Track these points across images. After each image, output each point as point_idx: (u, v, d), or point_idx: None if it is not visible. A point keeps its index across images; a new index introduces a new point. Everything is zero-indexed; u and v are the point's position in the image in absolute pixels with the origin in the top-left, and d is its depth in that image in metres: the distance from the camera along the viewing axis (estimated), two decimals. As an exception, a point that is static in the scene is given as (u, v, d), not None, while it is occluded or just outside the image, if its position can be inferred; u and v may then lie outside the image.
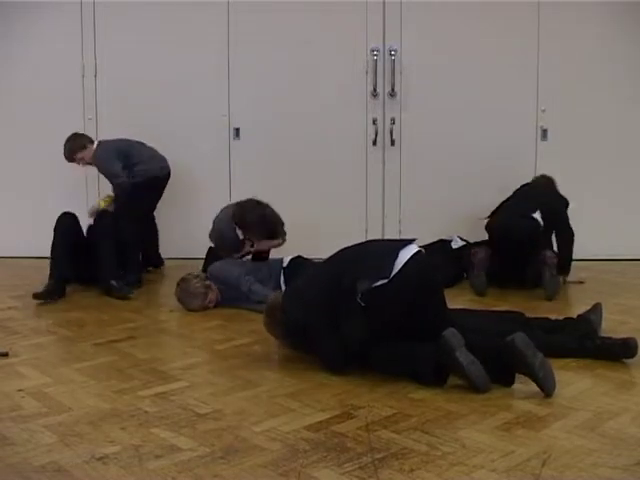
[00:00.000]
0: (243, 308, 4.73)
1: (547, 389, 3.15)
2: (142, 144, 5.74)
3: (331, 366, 3.47)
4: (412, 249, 3.46)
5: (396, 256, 3.40)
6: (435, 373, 3.25)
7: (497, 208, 5.39)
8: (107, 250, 5.17)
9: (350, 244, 3.71)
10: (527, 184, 5.60)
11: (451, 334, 3.20)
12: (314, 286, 3.54)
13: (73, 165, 5.70)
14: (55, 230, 5.20)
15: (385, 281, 3.35)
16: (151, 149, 5.77)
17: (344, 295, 3.38)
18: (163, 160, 5.77)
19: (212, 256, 5.32)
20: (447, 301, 3.57)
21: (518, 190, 5.51)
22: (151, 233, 6.05)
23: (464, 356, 3.17)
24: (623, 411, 3.00)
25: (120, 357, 3.79)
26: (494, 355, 3.22)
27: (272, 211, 5.10)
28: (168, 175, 5.79)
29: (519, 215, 5.17)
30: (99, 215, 5.36)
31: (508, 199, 5.43)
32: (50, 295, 4.94)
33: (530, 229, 5.10)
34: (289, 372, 3.51)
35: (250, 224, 5.03)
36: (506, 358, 3.18)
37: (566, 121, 6.06)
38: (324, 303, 3.41)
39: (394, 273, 3.36)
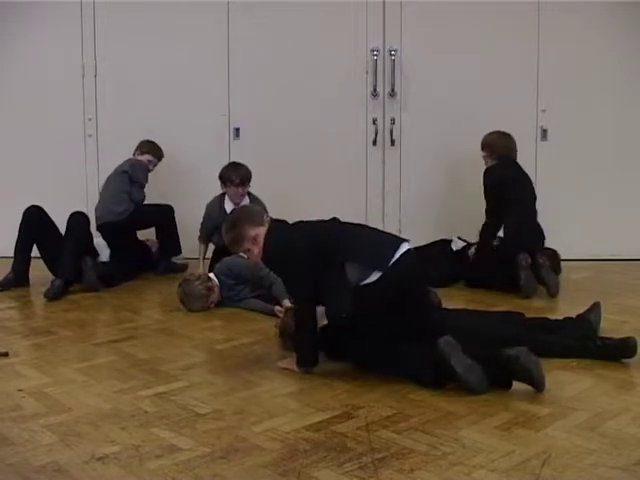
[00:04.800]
0: (243, 308, 4.74)
1: (540, 387, 3.15)
2: (112, 181, 5.70)
3: (305, 362, 3.47)
4: (404, 247, 3.45)
5: (397, 248, 3.39)
6: (434, 376, 3.23)
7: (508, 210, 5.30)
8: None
9: None
10: (518, 170, 5.46)
11: (445, 342, 3.16)
12: (305, 240, 3.44)
13: (73, 165, 5.67)
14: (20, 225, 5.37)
15: (379, 274, 3.32)
16: (109, 194, 5.66)
17: (332, 270, 3.33)
18: (103, 208, 5.65)
19: (220, 257, 5.33)
20: (447, 301, 3.57)
21: (520, 181, 5.40)
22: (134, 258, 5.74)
23: (460, 364, 3.13)
24: (623, 411, 3.00)
25: (120, 357, 3.79)
26: (493, 362, 3.18)
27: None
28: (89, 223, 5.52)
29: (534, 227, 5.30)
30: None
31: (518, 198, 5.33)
32: (3, 284, 5.20)
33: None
34: (289, 372, 3.51)
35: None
36: (508, 369, 3.14)
37: (566, 121, 6.05)
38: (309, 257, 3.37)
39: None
